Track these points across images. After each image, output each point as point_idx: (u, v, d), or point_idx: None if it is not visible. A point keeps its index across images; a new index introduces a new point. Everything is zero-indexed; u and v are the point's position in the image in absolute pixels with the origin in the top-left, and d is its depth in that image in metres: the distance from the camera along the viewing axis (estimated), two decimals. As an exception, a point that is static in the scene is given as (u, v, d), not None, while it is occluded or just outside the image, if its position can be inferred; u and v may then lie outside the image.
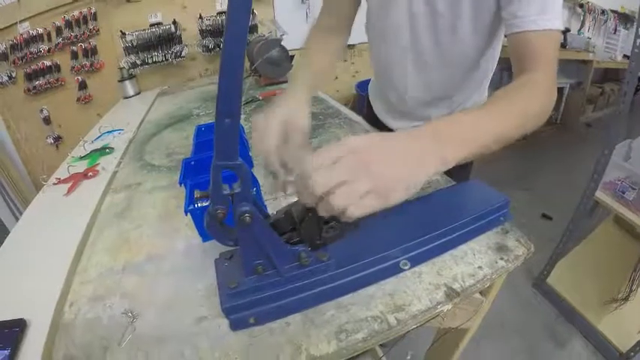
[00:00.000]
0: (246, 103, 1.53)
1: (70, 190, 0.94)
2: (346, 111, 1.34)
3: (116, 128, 1.38)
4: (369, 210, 0.40)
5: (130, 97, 1.93)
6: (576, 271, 1.93)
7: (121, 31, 1.89)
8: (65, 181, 1.00)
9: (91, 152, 1.18)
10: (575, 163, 3.19)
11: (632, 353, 1.51)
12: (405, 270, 0.55)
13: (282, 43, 1.78)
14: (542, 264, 1.89)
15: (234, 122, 0.39)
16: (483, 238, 0.62)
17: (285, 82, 1.81)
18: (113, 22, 1.97)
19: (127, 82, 1.91)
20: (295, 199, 0.47)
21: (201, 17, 2.04)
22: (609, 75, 4.55)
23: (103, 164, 1.08)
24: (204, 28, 2.06)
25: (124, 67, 1.91)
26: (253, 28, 2.19)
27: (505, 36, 0.72)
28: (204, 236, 0.67)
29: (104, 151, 1.18)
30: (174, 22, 1.97)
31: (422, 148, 0.45)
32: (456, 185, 0.77)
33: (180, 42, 2.02)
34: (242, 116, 1.35)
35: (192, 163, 0.76)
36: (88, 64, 2.02)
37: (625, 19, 4.12)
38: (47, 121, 2.14)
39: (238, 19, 0.35)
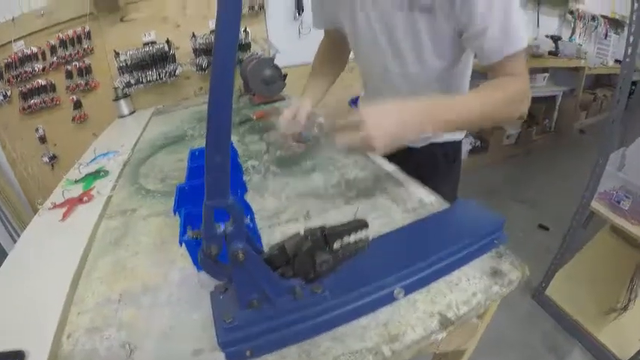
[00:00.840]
0: (240, 123, 1.54)
1: (65, 216, 0.94)
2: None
3: (111, 150, 1.38)
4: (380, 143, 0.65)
5: (125, 116, 1.94)
6: (575, 281, 1.93)
7: (114, 51, 1.91)
8: (60, 205, 1.00)
9: (85, 176, 1.18)
10: (570, 171, 3.21)
11: None
12: (399, 299, 0.55)
13: (275, 61, 1.80)
14: (540, 275, 1.89)
15: (224, 160, 0.40)
16: (477, 263, 0.62)
17: (279, 100, 1.83)
18: (107, 40, 2.00)
19: (122, 102, 1.92)
20: (288, 233, 0.49)
21: (194, 36, 2.06)
22: (601, 80, 4.61)
23: (98, 188, 1.08)
24: (197, 47, 2.08)
25: (118, 87, 1.92)
26: (246, 47, 2.22)
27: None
28: (200, 267, 0.67)
29: (99, 174, 1.18)
30: (168, 41, 1.99)
31: (408, 118, 0.67)
32: (450, 207, 0.77)
33: (174, 61, 2.05)
34: (235, 138, 1.37)
35: (186, 189, 0.76)
36: (82, 83, 2.03)
37: (615, 24, 4.19)
38: (43, 140, 2.15)
39: (224, 61, 0.36)
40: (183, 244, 0.63)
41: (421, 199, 0.83)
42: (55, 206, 1.00)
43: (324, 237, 0.47)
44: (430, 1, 0.75)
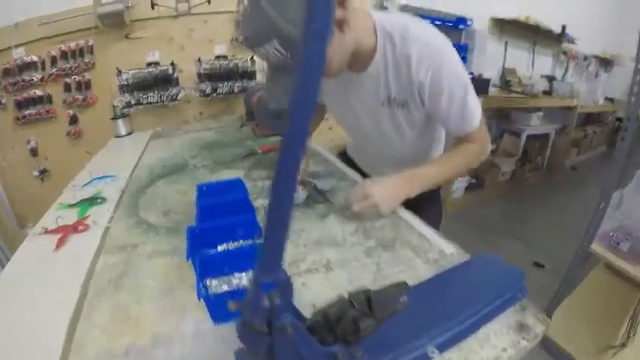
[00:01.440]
0: (245, 157, 1.50)
1: (59, 245, 0.88)
2: (341, 166, 1.38)
3: (107, 174, 1.33)
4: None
5: (122, 136, 1.89)
6: (572, 319, 1.91)
7: (117, 69, 1.88)
8: (53, 232, 0.94)
9: (81, 201, 1.12)
10: (564, 207, 3.25)
11: None
12: (433, 358, 0.55)
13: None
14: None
15: (283, 238, 0.38)
16: (502, 317, 0.62)
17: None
18: (110, 57, 1.96)
19: (120, 121, 1.87)
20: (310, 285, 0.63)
21: (199, 60, 2.05)
22: (591, 118, 4.77)
23: (94, 217, 1.02)
24: (202, 71, 2.06)
25: (117, 105, 1.88)
26: (252, 75, 2.20)
27: None
28: (216, 319, 0.62)
29: (95, 200, 1.13)
30: (172, 64, 1.97)
31: (399, 188, 0.97)
32: (470, 260, 0.76)
33: (177, 84, 2.02)
34: (240, 172, 1.33)
35: (197, 232, 0.72)
36: (80, 97, 1.99)
37: (606, 63, 4.37)
38: (34, 152, 2.07)
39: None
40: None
41: (442, 250, 0.82)
42: (46, 232, 0.94)
43: (369, 302, 0.46)
44: (404, 99, 0.97)
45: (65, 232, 0.93)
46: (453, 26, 3.10)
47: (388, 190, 0.95)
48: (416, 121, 1.03)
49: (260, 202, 1.01)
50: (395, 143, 1.11)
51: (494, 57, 3.61)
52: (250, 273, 0.69)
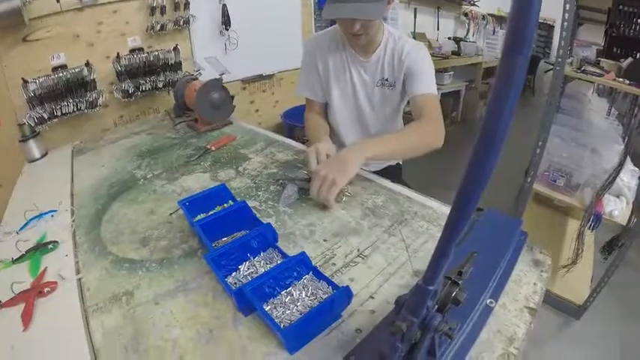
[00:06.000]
0: (199, 157, 1.35)
1: (26, 322, 0.69)
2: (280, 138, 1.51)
3: (45, 210, 1.09)
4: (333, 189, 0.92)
5: (37, 159, 1.56)
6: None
7: (22, 79, 1.52)
8: (11, 303, 0.73)
9: (27, 252, 0.90)
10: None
11: (588, 303, 1.82)
12: (493, 306, 0.63)
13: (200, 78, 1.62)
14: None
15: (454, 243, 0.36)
16: (520, 259, 0.74)
17: (227, 124, 1.66)
18: (8, 66, 1.59)
19: (32, 142, 1.54)
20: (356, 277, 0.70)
21: (118, 57, 1.76)
22: (492, 71, 5.26)
23: (54, 269, 0.83)
24: (120, 69, 1.78)
25: (25, 124, 1.54)
26: (177, 66, 1.98)
27: (407, 102, 1.32)
28: (292, 349, 0.57)
29: (45, 247, 0.92)
30: (88, 64, 1.66)
31: (346, 162, 0.97)
32: (480, 219, 0.81)
33: (94, 88, 1.71)
34: (206, 175, 1.22)
35: (217, 258, 0.63)
36: (-34, 122, 1.59)
37: (501, 20, 4.84)
38: None
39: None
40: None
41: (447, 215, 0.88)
42: (0, 305, 0.74)
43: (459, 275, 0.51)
44: (394, 81, 1.27)
45: (28, 299, 0.73)
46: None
47: (335, 162, 0.98)
48: (395, 99, 1.31)
49: (250, 204, 0.91)
50: (377, 119, 1.37)
51: (405, 24, 3.75)
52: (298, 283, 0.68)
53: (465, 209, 0.33)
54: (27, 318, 0.70)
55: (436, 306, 0.45)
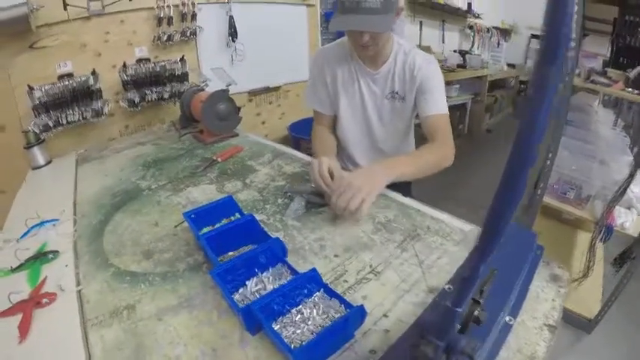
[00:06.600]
0: (206, 168, 1.33)
1: (23, 333, 0.66)
2: (288, 150, 1.49)
3: (47, 219, 1.07)
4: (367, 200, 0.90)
5: (41, 166, 1.55)
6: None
7: (28, 86, 1.52)
8: (8, 313, 0.71)
9: (27, 261, 0.88)
10: (488, 167, 3.51)
11: (600, 317, 1.79)
12: (512, 324, 0.60)
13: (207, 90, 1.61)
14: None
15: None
16: (537, 274, 0.71)
17: (233, 136, 1.64)
18: (14, 73, 1.58)
19: (36, 149, 1.53)
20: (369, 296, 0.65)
21: (125, 66, 1.76)
22: (496, 84, 5.29)
23: (54, 279, 0.80)
24: (127, 78, 1.78)
25: (30, 131, 1.53)
26: (183, 77, 1.98)
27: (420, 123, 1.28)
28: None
29: (45, 257, 0.89)
30: (94, 73, 1.66)
31: (377, 176, 0.97)
32: None
33: (100, 97, 1.71)
34: (212, 187, 1.20)
35: (222, 273, 0.60)
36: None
37: (505, 33, 4.87)
38: None
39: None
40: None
41: (461, 229, 0.90)
42: (-1, 314, 0.72)
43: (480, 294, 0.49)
44: (404, 94, 1.25)
45: (25, 310, 0.71)
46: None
47: (365, 175, 0.97)
48: (406, 113, 1.29)
49: (258, 218, 0.89)
50: (387, 134, 1.35)
51: (411, 37, 3.77)
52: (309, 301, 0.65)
53: (498, 226, 0.30)
54: (24, 329, 0.67)
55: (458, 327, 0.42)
